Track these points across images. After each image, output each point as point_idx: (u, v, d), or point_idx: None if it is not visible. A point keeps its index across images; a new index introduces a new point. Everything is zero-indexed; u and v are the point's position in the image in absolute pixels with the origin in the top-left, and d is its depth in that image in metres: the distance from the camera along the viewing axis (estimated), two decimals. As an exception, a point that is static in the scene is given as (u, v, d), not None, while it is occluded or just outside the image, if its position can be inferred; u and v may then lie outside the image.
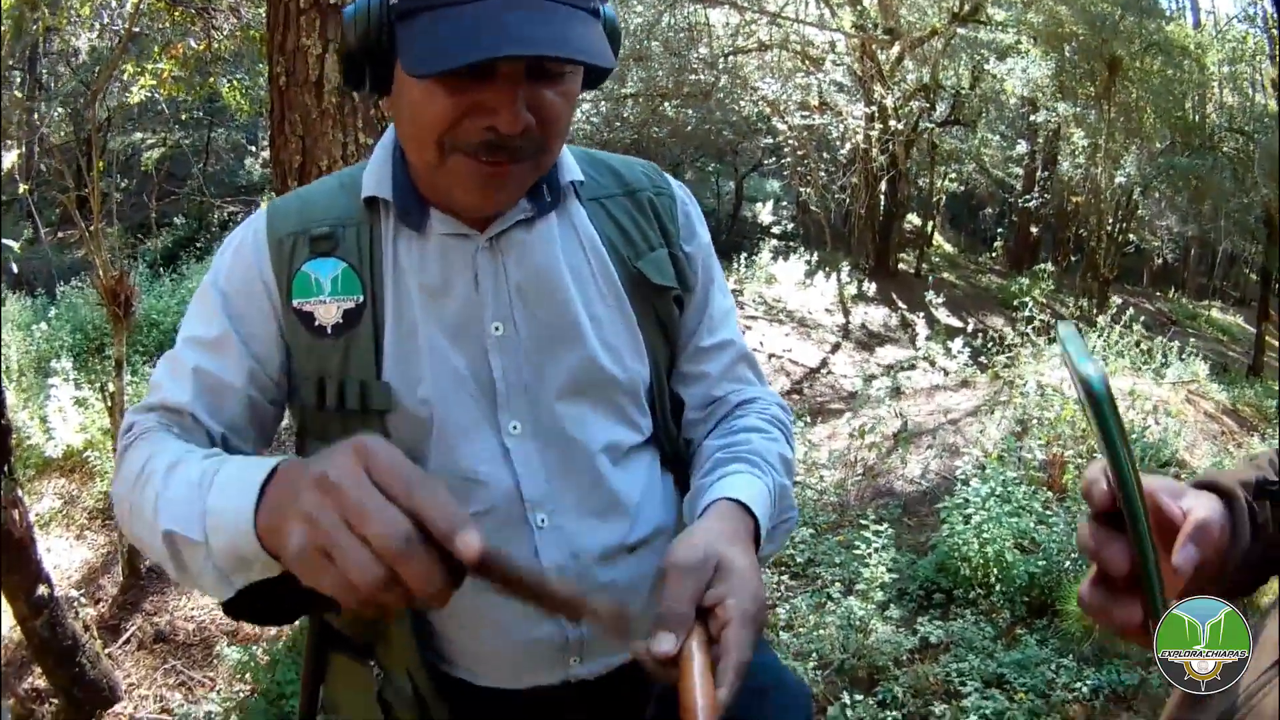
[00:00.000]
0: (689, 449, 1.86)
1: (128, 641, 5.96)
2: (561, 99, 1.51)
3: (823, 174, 17.53)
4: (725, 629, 1.28)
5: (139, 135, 18.87)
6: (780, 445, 1.78)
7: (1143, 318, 11.35)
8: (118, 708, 5.23)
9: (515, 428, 1.66)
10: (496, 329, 1.65)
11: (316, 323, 1.62)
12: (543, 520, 1.66)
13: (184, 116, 20.17)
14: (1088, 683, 4.93)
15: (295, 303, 1.63)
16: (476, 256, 1.65)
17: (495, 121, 1.44)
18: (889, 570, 5.69)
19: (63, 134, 13.56)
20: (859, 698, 4.66)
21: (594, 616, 1.16)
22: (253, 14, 9.18)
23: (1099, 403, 1.01)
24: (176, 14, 8.72)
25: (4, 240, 4.24)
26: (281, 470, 1.21)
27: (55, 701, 5.27)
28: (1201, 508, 1.18)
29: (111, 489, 1.57)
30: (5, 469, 4.38)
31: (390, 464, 1.06)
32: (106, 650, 5.64)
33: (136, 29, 9.48)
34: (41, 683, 5.40)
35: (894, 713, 4.78)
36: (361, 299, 1.62)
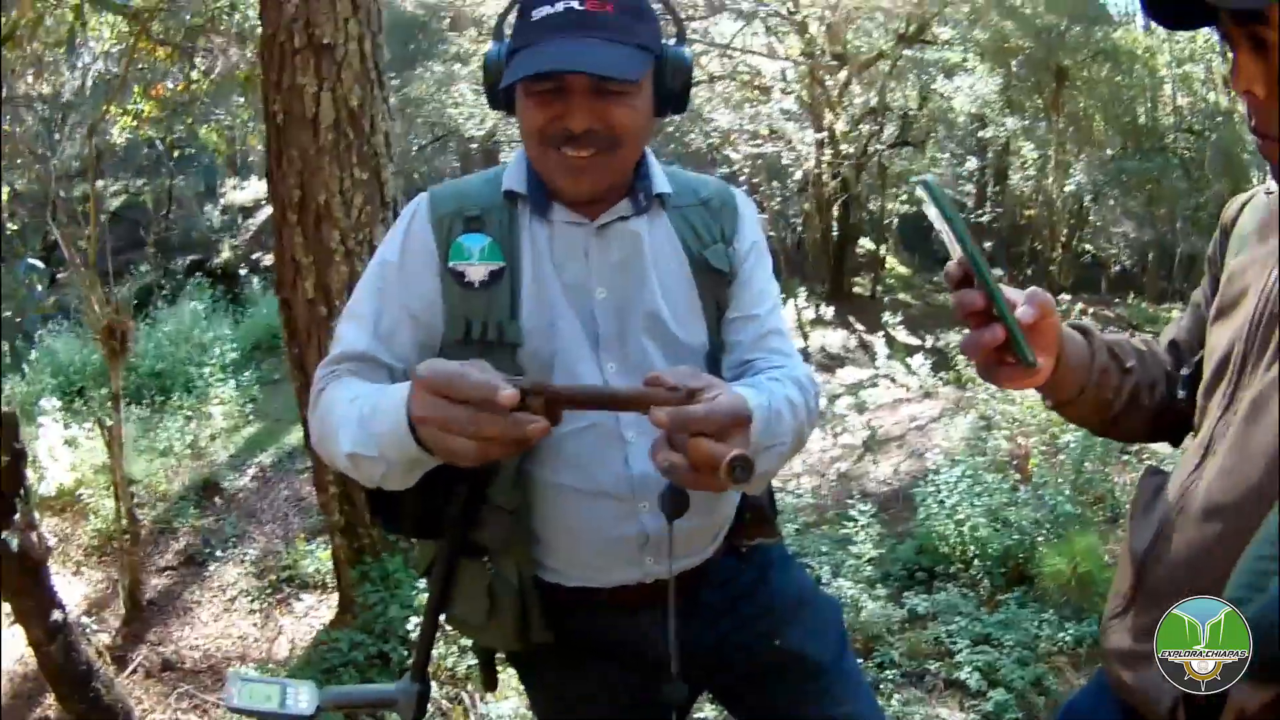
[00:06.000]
0: None
1: (135, 671, 5.96)
2: (625, 110, 2.01)
3: (776, 202, 17.76)
4: (724, 429, 1.63)
5: (100, 183, 18.75)
6: (788, 390, 2.14)
7: (1098, 323, 11.47)
8: (131, 732, 5.22)
9: (611, 367, 2.15)
10: (600, 293, 2.15)
11: (467, 279, 2.13)
12: (632, 437, 2.13)
13: (144, 163, 20.19)
14: (1070, 634, 5.24)
15: (451, 264, 2.14)
16: (588, 239, 2.17)
17: (569, 122, 1.98)
18: (874, 547, 6.03)
19: (25, 180, 13.65)
20: (859, 662, 4.94)
21: (622, 396, 1.76)
22: (240, 54, 9.36)
23: (933, 190, 1.51)
24: (161, 54, 8.88)
25: (31, 261, 4.46)
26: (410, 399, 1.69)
27: (66, 730, 5.24)
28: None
29: (309, 425, 2.20)
30: (21, 493, 4.46)
31: (434, 380, 1.58)
32: (116, 678, 5.48)
33: (115, 70, 9.67)
34: (51, 713, 5.44)
35: (892, 672, 5.11)
36: (503, 264, 2.13)
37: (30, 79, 13.24)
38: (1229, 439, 1.63)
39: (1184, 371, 1.90)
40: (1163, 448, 7.18)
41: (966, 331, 1.62)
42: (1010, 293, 1.59)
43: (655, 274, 2.19)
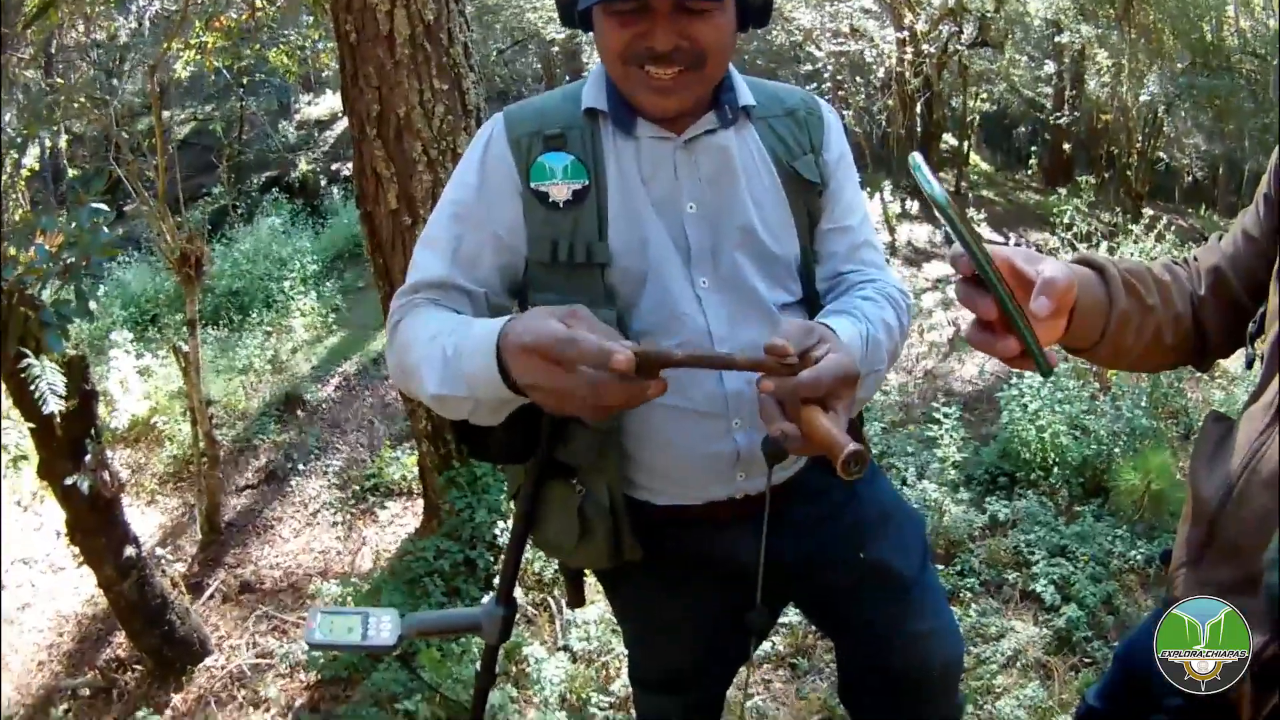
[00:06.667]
0: None
1: (212, 596, 5.96)
2: (709, 27, 1.95)
3: (860, 98, 17.60)
4: (833, 391, 1.63)
5: (167, 113, 18.49)
6: (884, 312, 2.14)
7: (1173, 230, 11.30)
8: (208, 660, 5.27)
9: (704, 282, 2.12)
10: (691, 207, 2.12)
11: (551, 199, 2.09)
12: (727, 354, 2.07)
13: (212, 91, 20.06)
14: (1141, 552, 5.25)
15: (533, 185, 2.09)
16: (675, 154, 2.12)
17: (652, 42, 1.92)
18: (958, 450, 6.04)
19: (85, 124, 13.68)
20: (940, 568, 4.96)
21: (738, 364, 1.68)
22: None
23: (944, 208, 1.43)
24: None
25: (95, 205, 4.44)
26: (504, 344, 1.69)
27: (139, 668, 5.29)
28: (1049, 269, 1.49)
29: (386, 358, 2.15)
30: (93, 433, 4.51)
31: (539, 346, 1.58)
32: (192, 606, 5.58)
33: (174, 7, 9.64)
34: (122, 652, 5.42)
35: (971, 580, 5.15)
36: (587, 182, 2.08)
37: (81, 29, 13.23)
38: None
39: (1251, 327, 1.80)
40: (1232, 366, 7.09)
41: (970, 321, 1.55)
42: (1019, 259, 1.51)
43: (746, 186, 2.15)
